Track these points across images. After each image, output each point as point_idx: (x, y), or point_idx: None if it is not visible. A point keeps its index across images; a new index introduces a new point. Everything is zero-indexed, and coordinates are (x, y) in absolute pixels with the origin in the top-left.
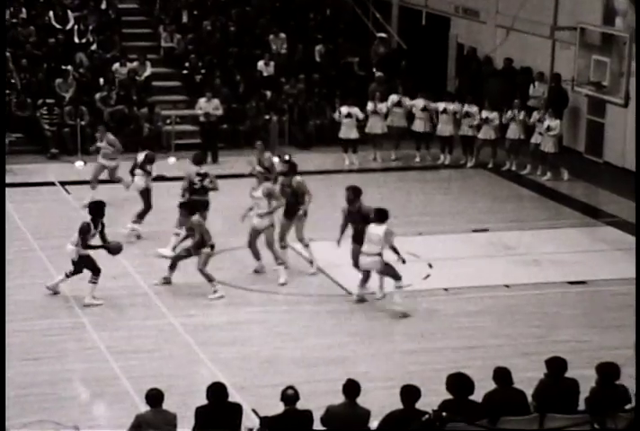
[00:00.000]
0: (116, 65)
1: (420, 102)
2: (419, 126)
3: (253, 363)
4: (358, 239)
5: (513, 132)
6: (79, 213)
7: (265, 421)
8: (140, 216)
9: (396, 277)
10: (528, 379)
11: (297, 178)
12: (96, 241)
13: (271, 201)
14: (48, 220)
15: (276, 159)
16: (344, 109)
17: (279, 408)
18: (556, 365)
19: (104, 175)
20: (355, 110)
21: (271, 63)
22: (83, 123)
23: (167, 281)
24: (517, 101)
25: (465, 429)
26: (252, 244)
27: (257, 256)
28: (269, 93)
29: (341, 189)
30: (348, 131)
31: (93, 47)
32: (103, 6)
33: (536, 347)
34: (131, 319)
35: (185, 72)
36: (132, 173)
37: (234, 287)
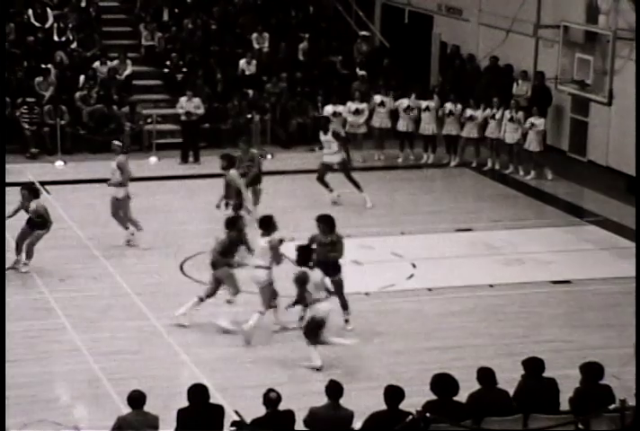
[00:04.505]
0: (96, 64)
1: (404, 102)
2: (402, 125)
3: (235, 364)
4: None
5: (493, 130)
6: (59, 212)
7: (238, 425)
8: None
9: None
10: (512, 379)
11: (231, 172)
12: None
13: (123, 174)
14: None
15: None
16: (330, 108)
17: (261, 409)
18: (534, 366)
19: None
20: (341, 109)
21: (253, 61)
22: (62, 122)
23: None
24: (496, 100)
25: (448, 430)
26: (115, 214)
27: (124, 224)
28: (251, 92)
29: (322, 189)
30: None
31: (73, 45)
32: (83, 4)
33: (520, 347)
34: (112, 320)
35: (166, 70)
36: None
37: None
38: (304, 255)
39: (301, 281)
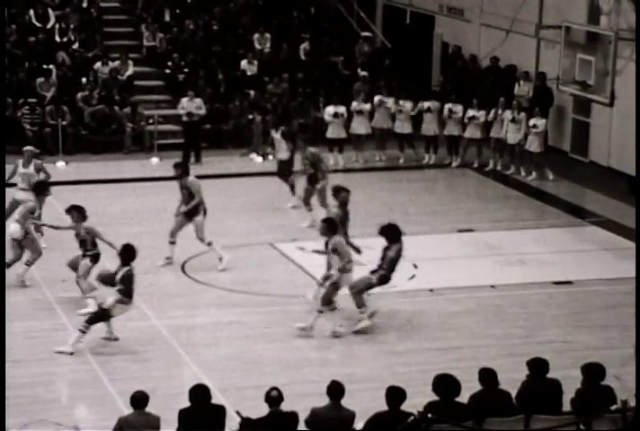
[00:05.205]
0: (98, 65)
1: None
2: (399, 127)
3: (237, 364)
4: None
5: (497, 131)
6: (60, 213)
7: (247, 423)
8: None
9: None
10: (513, 380)
11: (190, 178)
12: None
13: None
14: None
15: (259, 159)
16: (331, 109)
17: (263, 409)
18: (538, 366)
19: None
20: (342, 110)
21: (255, 62)
22: (64, 123)
23: None
24: (502, 100)
25: (450, 430)
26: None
27: None
28: (252, 93)
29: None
30: (337, 131)
31: (75, 46)
32: (85, 5)
33: (521, 347)
34: (113, 320)
35: (168, 71)
36: None
37: (216, 288)
38: (128, 254)
39: (127, 279)
